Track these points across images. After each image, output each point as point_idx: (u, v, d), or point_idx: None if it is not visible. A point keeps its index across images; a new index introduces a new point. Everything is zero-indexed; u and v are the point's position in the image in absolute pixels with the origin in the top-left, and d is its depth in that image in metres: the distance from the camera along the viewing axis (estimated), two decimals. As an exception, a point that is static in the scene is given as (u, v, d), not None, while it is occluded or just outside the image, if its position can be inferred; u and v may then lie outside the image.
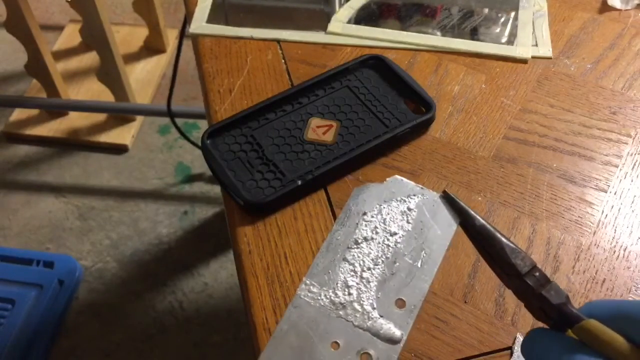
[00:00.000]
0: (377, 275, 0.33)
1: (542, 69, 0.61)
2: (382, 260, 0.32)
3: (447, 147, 0.55)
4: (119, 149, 1.54)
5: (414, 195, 0.34)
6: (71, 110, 1.58)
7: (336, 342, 0.32)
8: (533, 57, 0.62)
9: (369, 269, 0.33)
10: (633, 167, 0.53)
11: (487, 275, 0.46)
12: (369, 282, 0.33)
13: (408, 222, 0.33)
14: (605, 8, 0.66)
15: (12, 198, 1.47)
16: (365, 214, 0.34)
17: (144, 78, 1.66)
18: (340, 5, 0.67)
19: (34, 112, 1.59)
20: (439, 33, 0.64)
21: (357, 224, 0.33)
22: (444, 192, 0.34)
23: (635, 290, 0.46)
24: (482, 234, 0.33)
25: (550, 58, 0.62)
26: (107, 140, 1.54)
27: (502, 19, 0.66)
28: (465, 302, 0.45)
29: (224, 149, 0.54)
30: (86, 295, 1.31)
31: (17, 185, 1.49)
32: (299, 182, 0.50)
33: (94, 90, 1.60)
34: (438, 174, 0.52)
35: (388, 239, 0.33)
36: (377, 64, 0.59)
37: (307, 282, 0.33)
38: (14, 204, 1.46)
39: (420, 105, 0.56)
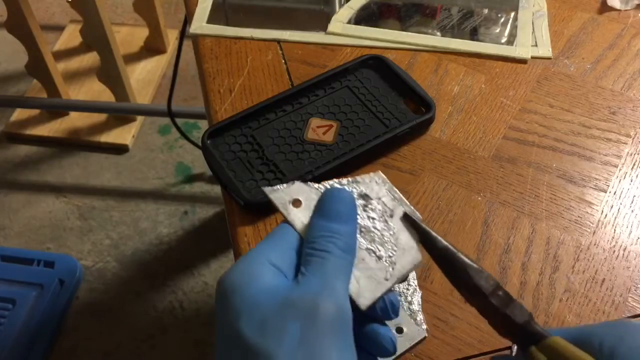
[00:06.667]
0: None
1: (541, 69, 0.61)
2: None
3: (447, 147, 0.55)
4: (119, 149, 1.54)
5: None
6: (72, 111, 1.58)
7: None
8: (533, 57, 0.62)
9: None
10: (632, 167, 0.53)
11: (487, 275, 0.47)
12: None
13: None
14: (605, 8, 0.66)
15: (13, 198, 1.47)
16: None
17: (144, 78, 1.66)
18: (340, 5, 0.67)
19: (35, 112, 1.59)
20: (438, 33, 0.64)
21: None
22: (405, 214, 0.35)
23: (635, 290, 0.46)
24: (444, 256, 0.34)
25: (549, 58, 0.62)
26: (108, 140, 1.54)
27: (502, 19, 0.66)
28: (465, 302, 0.45)
29: (224, 149, 0.54)
30: (87, 295, 1.31)
31: (17, 185, 1.49)
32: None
33: (95, 91, 1.60)
34: (438, 174, 0.53)
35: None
36: (377, 64, 0.60)
37: None
38: (15, 203, 1.46)
39: (420, 105, 0.56)
